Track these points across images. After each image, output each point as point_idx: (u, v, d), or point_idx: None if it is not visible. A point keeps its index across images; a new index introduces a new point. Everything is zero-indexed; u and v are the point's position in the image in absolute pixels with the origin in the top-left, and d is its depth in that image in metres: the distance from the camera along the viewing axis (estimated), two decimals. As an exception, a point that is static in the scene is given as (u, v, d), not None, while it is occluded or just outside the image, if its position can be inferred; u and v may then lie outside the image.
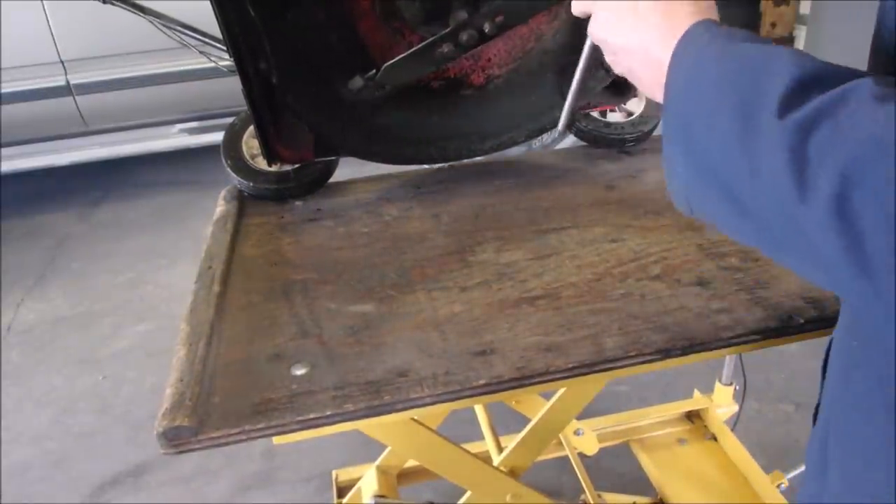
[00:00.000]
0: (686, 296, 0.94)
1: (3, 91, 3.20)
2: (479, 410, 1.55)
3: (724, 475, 1.57)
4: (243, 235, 1.19)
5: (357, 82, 1.16)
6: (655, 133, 1.45)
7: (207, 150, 3.32)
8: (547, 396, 1.12)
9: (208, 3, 1.03)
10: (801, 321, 0.88)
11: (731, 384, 1.71)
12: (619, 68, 0.68)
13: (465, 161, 1.36)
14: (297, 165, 1.30)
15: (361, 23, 1.17)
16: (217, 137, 3.33)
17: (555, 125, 1.35)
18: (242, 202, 1.30)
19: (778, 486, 1.49)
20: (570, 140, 3.07)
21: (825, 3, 3.62)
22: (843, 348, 0.61)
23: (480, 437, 1.50)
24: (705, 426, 1.71)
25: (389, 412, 0.79)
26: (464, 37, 1.12)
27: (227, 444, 0.75)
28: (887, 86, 0.41)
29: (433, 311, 0.94)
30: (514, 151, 1.49)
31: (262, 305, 0.98)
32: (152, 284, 2.99)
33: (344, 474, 1.66)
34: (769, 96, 0.45)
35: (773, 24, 3.62)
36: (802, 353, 2.22)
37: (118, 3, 1.47)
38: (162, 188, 3.87)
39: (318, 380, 0.82)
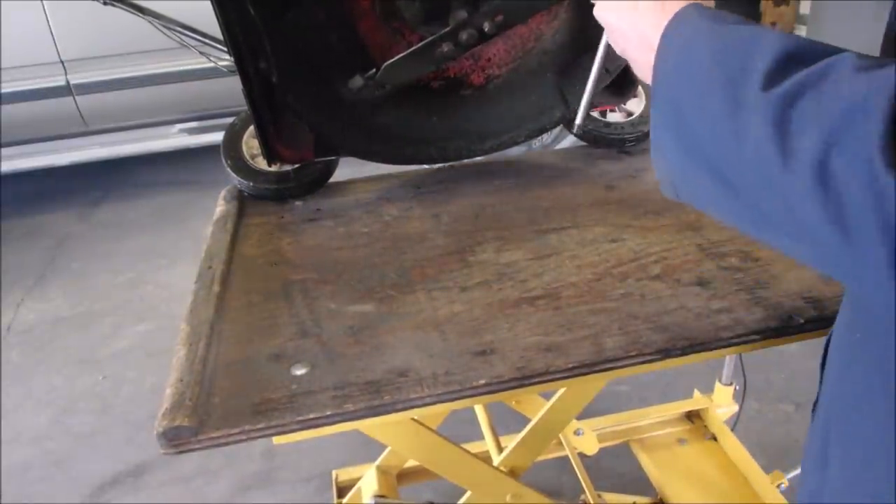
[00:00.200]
0: (686, 296, 0.94)
1: (3, 91, 3.20)
2: (479, 410, 1.55)
3: (724, 475, 1.57)
4: (243, 235, 1.19)
5: (357, 81, 1.16)
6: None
7: (207, 150, 3.32)
8: (547, 396, 1.12)
9: (208, 3, 1.03)
10: (801, 321, 0.88)
11: (731, 384, 1.71)
12: (618, 49, 0.69)
13: (465, 161, 1.36)
14: (297, 165, 1.30)
15: (361, 22, 1.17)
16: (217, 137, 3.33)
17: (555, 125, 1.36)
18: (242, 202, 1.30)
19: (778, 486, 1.49)
20: (570, 140, 3.07)
21: (825, 3, 3.62)
22: (843, 343, 0.61)
23: (480, 437, 1.50)
24: (705, 426, 1.71)
25: (389, 412, 0.79)
26: (463, 36, 1.12)
27: (227, 444, 0.75)
28: (868, 59, 0.42)
29: (433, 311, 0.94)
30: (514, 151, 1.49)
31: (262, 305, 0.98)
32: (152, 284, 2.99)
33: (344, 474, 1.66)
34: (755, 73, 0.45)
35: (773, 24, 3.63)
36: (802, 353, 2.22)
37: (118, 5, 1.47)
38: (162, 188, 3.87)
39: (318, 380, 0.82)
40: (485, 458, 1.18)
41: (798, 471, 1.50)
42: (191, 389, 0.79)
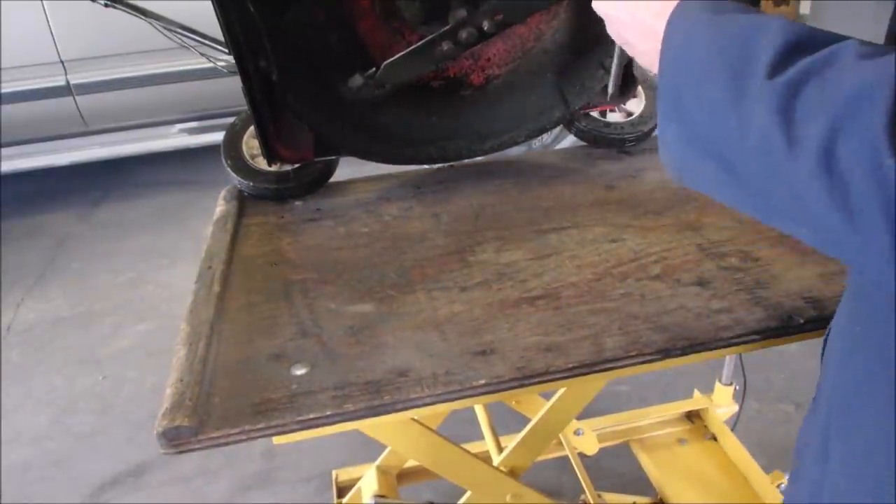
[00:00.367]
0: (686, 296, 0.94)
1: (3, 91, 3.19)
2: (479, 410, 1.55)
3: (724, 475, 1.57)
4: (243, 235, 1.19)
5: (357, 80, 1.16)
6: (655, 133, 1.45)
7: (207, 150, 3.32)
8: (547, 396, 1.12)
9: (208, 3, 1.03)
10: (801, 321, 0.88)
11: (731, 384, 1.71)
12: (619, 41, 0.69)
13: (465, 161, 1.36)
14: (297, 165, 1.30)
15: (361, 22, 1.17)
16: (217, 137, 3.33)
17: (555, 125, 1.36)
18: (242, 202, 1.30)
19: (778, 486, 1.49)
20: (570, 140, 3.07)
21: (825, 3, 3.62)
22: (844, 335, 0.61)
23: (480, 437, 1.50)
24: (705, 426, 1.71)
25: (389, 412, 0.79)
26: (463, 35, 1.11)
27: (227, 444, 0.76)
28: (871, 46, 0.42)
29: (433, 311, 0.94)
30: (514, 151, 1.49)
31: (262, 305, 0.98)
32: (152, 284, 2.99)
33: (344, 474, 1.67)
34: (759, 61, 0.46)
35: (773, 24, 3.62)
36: (802, 353, 2.22)
37: (120, 7, 1.47)
38: (162, 188, 3.87)
39: (318, 380, 0.82)
40: (485, 458, 1.18)
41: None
42: (191, 389, 0.79)
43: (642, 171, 1.33)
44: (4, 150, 3.39)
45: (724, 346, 0.87)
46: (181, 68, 3.29)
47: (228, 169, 1.30)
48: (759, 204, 0.51)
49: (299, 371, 0.83)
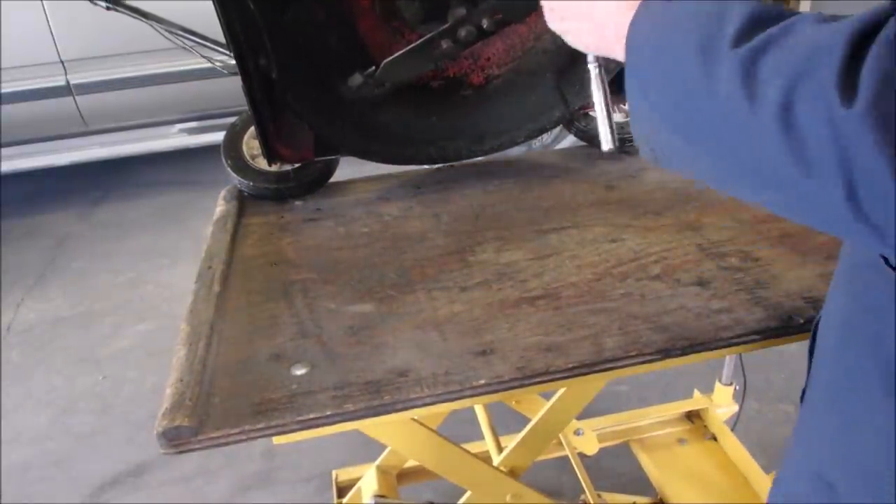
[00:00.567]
0: (686, 296, 0.94)
1: (3, 91, 3.19)
2: (479, 410, 1.55)
3: (724, 475, 1.57)
4: (243, 235, 1.19)
5: (356, 79, 1.16)
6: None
7: (207, 150, 3.31)
8: (547, 396, 1.12)
9: (208, 3, 1.03)
10: (801, 321, 0.88)
11: (731, 384, 1.71)
12: (581, 47, 0.73)
13: (465, 161, 1.36)
14: (297, 165, 1.30)
15: (361, 21, 1.17)
16: (217, 137, 3.33)
17: (554, 125, 1.36)
18: (242, 202, 1.30)
19: (778, 486, 1.49)
20: (570, 140, 3.07)
21: (825, 3, 3.62)
22: (834, 321, 0.63)
23: (480, 437, 1.50)
24: (705, 426, 1.71)
25: (389, 412, 0.79)
26: (462, 33, 1.11)
27: (227, 444, 0.75)
28: (827, 16, 0.46)
29: (433, 311, 0.94)
30: (514, 151, 1.49)
31: (262, 305, 0.98)
32: (153, 284, 2.99)
33: (344, 474, 1.67)
34: (726, 34, 0.49)
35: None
36: (802, 353, 2.20)
37: (121, 10, 1.48)
38: (162, 188, 3.87)
39: (318, 380, 0.82)
40: (485, 458, 1.18)
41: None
42: (191, 389, 0.79)
43: (642, 171, 1.33)
44: (4, 150, 3.39)
45: (724, 346, 0.87)
46: (181, 68, 3.28)
47: (229, 169, 1.30)
48: (726, 170, 0.53)
49: (299, 371, 0.83)
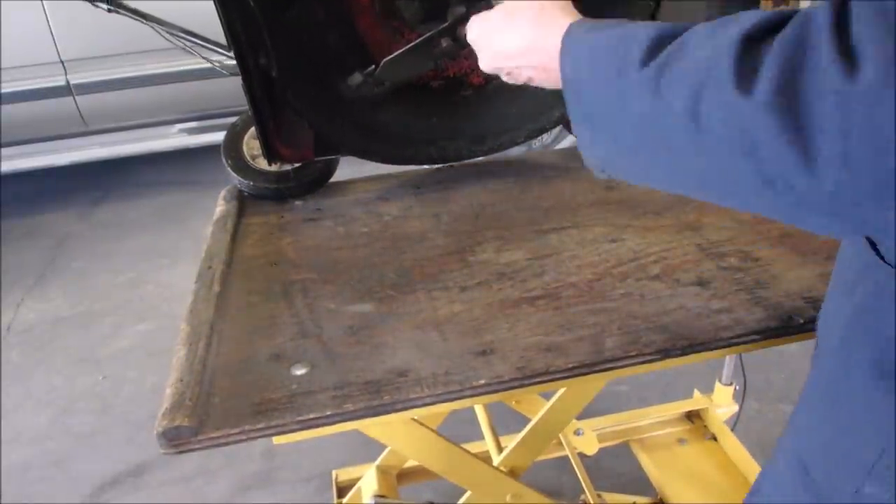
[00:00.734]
0: (686, 296, 0.94)
1: (3, 91, 3.19)
2: (479, 410, 1.55)
3: (724, 475, 1.57)
4: (243, 235, 1.19)
5: (356, 78, 1.16)
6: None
7: (207, 150, 3.31)
8: (547, 396, 1.12)
9: (208, 4, 1.03)
10: (801, 321, 0.88)
11: (731, 384, 1.71)
12: (520, 81, 0.78)
13: (465, 161, 1.36)
14: (297, 165, 1.30)
15: (361, 19, 1.17)
16: (217, 137, 3.33)
17: (555, 125, 1.36)
18: (242, 202, 1.30)
19: (778, 486, 1.49)
20: (570, 140, 3.07)
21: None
22: (833, 320, 0.65)
23: (480, 437, 1.50)
24: (705, 426, 1.71)
25: (389, 412, 0.79)
26: (462, 32, 1.11)
27: (227, 444, 0.76)
28: (715, 23, 0.51)
29: (433, 311, 0.94)
30: (514, 151, 1.49)
31: (262, 305, 0.98)
32: (153, 284, 2.99)
33: (344, 474, 1.67)
34: (634, 58, 0.54)
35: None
36: (802, 353, 2.21)
37: (123, 12, 1.48)
38: (162, 188, 3.87)
39: (318, 380, 0.82)
40: (485, 458, 1.18)
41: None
42: (191, 389, 0.79)
43: (642, 171, 1.33)
44: (4, 150, 3.39)
45: (724, 346, 0.87)
46: (181, 68, 3.28)
47: (229, 169, 1.30)
48: (663, 179, 0.59)
49: (299, 371, 0.83)
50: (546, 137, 3.15)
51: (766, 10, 0.49)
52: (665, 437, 1.69)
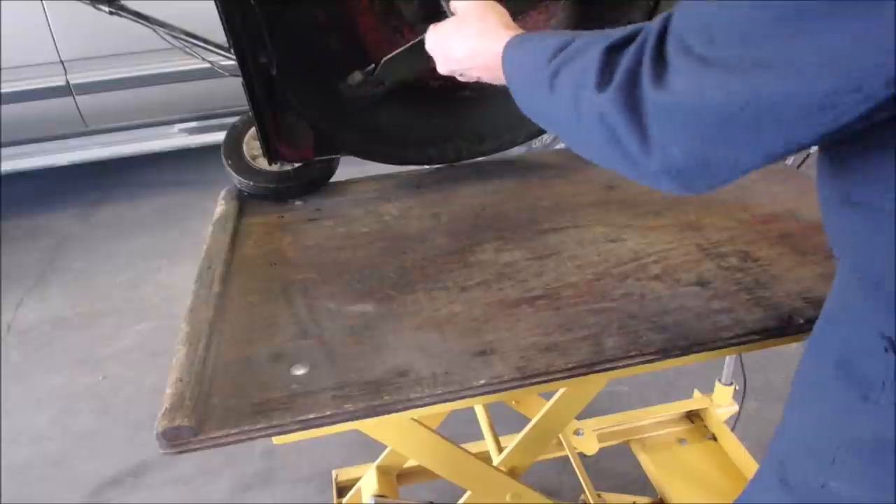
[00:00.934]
0: (686, 296, 0.94)
1: (3, 91, 3.19)
2: (479, 410, 1.55)
3: (724, 475, 1.57)
4: (243, 235, 1.19)
5: (356, 77, 1.16)
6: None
7: (208, 150, 3.32)
8: (547, 396, 1.12)
9: (209, 4, 1.03)
10: (801, 321, 0.88)
11: (731, 384, 1.71)
12: (465, 78, 0.95)
13: (465, 161, 1.36)
14: (297, 165, 1.30)
15: (361, 19, 1.17)
16: (217, 137, 3.33)
17: None
18: (242, 202, 1.30)
19: (778, 486, 1.49)
20: (570, 140, 3.06)
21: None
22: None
23: (480, 437, 1.50)
24: (705, 426, 1.71)
25: (389, 412, 0.79)
26: None
27: (227, 444, 0.75)
28: (594, 34, 0.65)
29: (433, 311, 0.94)
30: (514, 151, 1.49)
31: (262, 305, 0.98)
32: (152, 284, 2.99)
33: (344, 474, 1.67)
34: (541, 62, 0.70)
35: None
36: (802, 354, 2.22)
37: (124, 15, 1.48)
38: (162, 188, 3.87)
39: (318, 380, 0.82)
40: (485, 458, 1.18)
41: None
42: (191, 389, 0.79)
43: (642, 171, 1.33)
44: (4, 150, 3.39)
45: (724, 346, 0.87)
46: (181, 68, 3.28)
47: (229, 169, 1.30)
48: (569, 143, 0.74)
49: (299, 371, 0.83)
50: (546, 137, 3.15)
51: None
52: (665, 437, 1.69)
